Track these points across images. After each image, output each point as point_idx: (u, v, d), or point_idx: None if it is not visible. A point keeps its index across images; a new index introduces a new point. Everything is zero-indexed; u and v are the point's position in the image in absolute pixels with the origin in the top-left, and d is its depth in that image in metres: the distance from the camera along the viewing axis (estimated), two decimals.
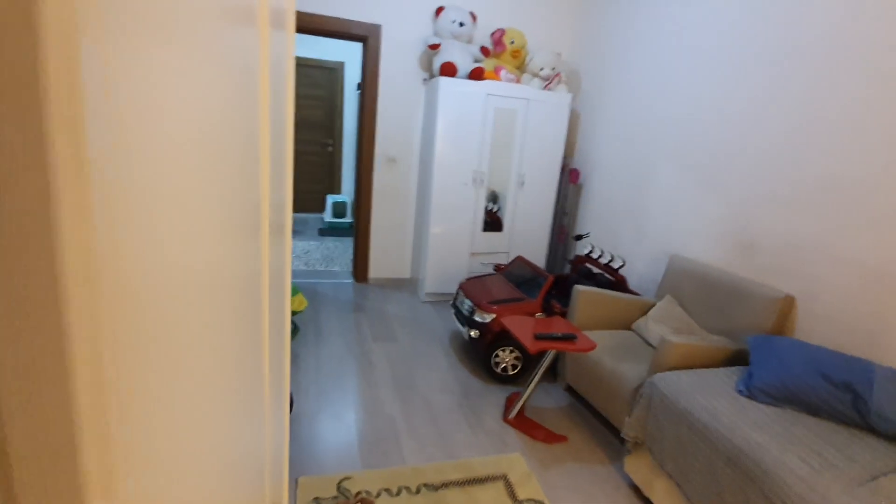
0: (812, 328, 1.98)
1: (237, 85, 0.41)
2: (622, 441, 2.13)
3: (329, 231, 5.33)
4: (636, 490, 1.84)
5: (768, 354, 1.78)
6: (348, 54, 5.55)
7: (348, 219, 5.44)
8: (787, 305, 2.03)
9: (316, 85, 5.56)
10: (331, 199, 5.47)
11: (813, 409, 1.60)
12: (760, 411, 1.60)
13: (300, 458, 1.84)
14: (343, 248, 4.78)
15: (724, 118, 2.44)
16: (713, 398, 1.64)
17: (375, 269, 3.86)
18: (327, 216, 5.48)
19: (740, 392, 1.70)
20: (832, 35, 1.94)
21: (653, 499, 1.73)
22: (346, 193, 5.96)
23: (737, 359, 1.99)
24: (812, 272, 1.99)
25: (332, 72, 5.57)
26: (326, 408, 2.18)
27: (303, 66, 5.44)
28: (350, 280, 3.90)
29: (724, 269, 2.38)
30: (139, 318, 0.23)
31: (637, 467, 1.82)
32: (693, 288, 2.41)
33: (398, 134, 3.61)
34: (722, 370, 1.86)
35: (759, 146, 2.25)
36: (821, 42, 1.98)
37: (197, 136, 0.31)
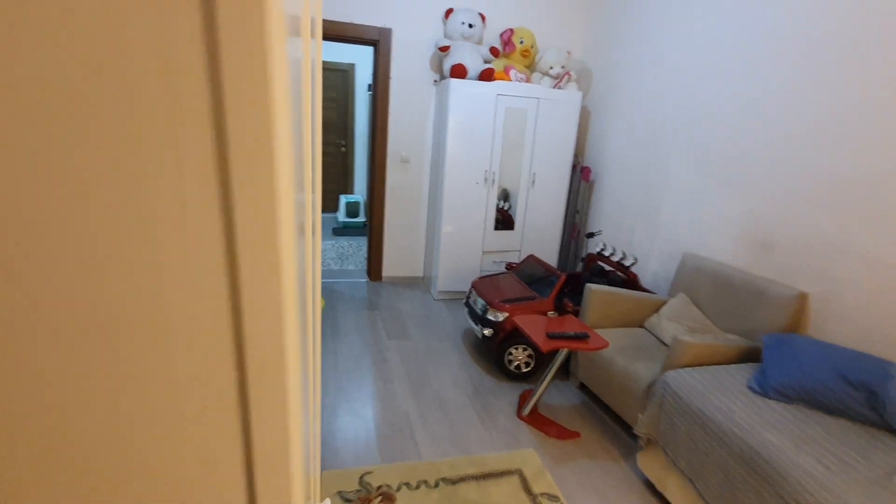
0: (827, 327, 1.97)
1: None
2: (635, 438, 2.14)
3: (343, 230, 5.40)
4: (650, 486, 1.86)
5: (784, 353, 1.77)
6: (358, 56, 5.60)
7: (361, 218, 5.50)
8: (801, 303, 2.02)
9: (329, 87, 5.62)
10: (344, 199, 5.53)
11: (829, 408, 1.60)
12: (775, 411, 1.60)
13: (322, 452, 1.89)
14: (357, 247, 4.84)
15: (740, 114, 2.43)
16: (727, 397, 1.65)
17: (389, 268, 3.91)
18: (341, 216, 5.54)
19: (752, 389, 1.71)
20: (852, 26, 1.92)
21: (666, 495, 1.75)
22: (359, 193, 6.01)
23: (751, 357, 1.99)
24: (831, 271, 1.97)
25: (344, 73, 5.63)
26: (344, 403, 2.23)
27: None
28: (364, 279, 3.95)
29: (738, 267, 2.37)
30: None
31: (650, 464, 1.84)
32: (707, 286, 2.40)
33: (410, 135, 3.64)
34: (734, 367, 1.86)
35: (776, 142, 2.23)
36: (840, 34, 1.96)
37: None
